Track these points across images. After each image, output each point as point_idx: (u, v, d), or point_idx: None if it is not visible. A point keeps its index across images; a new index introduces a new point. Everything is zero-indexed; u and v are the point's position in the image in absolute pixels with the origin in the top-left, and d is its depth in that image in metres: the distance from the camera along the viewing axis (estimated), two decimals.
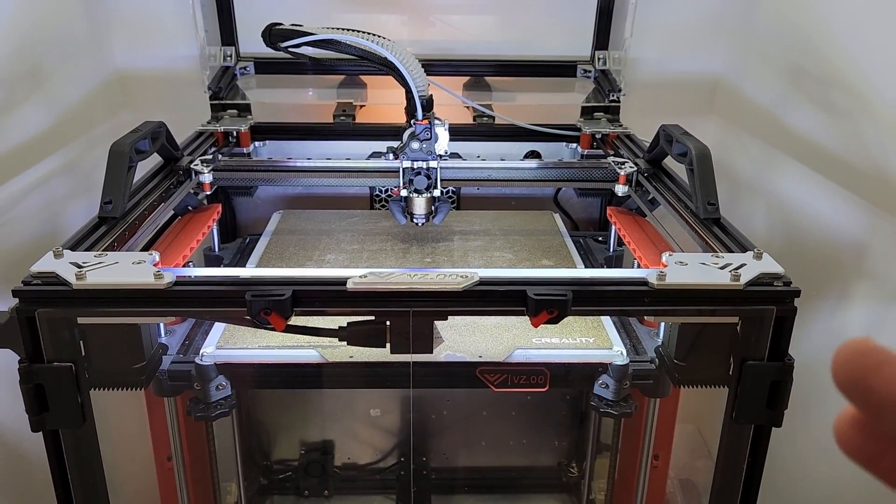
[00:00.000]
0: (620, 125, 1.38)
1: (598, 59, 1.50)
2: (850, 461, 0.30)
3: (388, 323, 0.75)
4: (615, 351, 0.89)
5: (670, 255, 0.78)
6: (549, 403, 1.37)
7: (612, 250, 1.22)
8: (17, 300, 0.72)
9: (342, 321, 0.77)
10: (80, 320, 0.74)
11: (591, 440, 1.23)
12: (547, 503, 1.45)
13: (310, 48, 1.04)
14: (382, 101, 1.48)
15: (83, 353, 0.76)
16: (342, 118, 1.39)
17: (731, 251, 0.84)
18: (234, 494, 1.24)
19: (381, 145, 1.29)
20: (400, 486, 1.40)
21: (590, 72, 1.51)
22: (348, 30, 1.02)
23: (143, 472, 1.09)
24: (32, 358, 0.73)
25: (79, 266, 0.74)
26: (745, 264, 0.77)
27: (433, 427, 1.37)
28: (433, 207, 1.12)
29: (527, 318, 0.74)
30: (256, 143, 1.36)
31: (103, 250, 0.81)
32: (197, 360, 0.87)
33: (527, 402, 1.36)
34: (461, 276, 0.73)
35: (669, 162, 1.12)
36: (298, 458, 1.40)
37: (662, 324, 0.92)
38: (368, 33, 1.02)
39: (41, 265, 0.74)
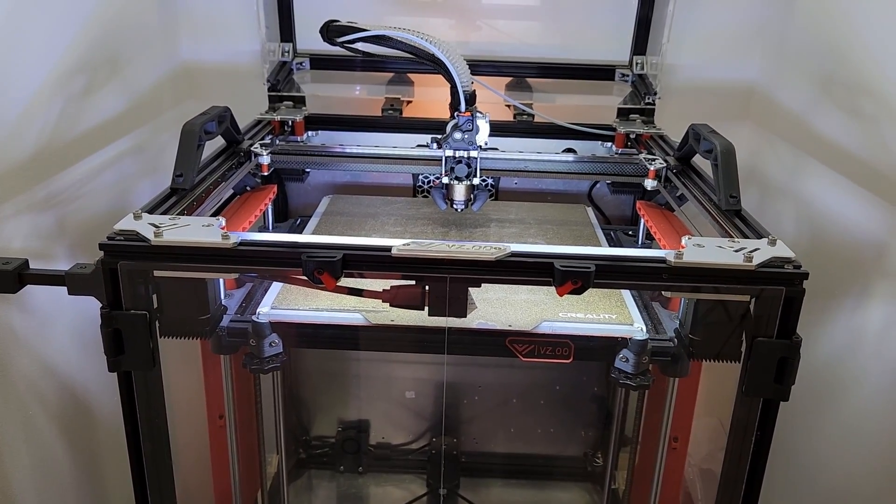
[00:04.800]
0: (654, 126, 1.44)
1: (637, 63, 1.56)
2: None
3: (426, 287, 0.83)
4: (635, 327, 0.96)
5: (689, 238, 0.85)
6: (577, 394, 1.43)
7: (640, 242, 1.28)
8: (102, 253, 0.82)
9: (386, 284, 0.85)
10: (156, 273, 0.83)
11: (615, 430, 1.29)
12: (571, 492, 1.51)
13: (363, 44, 1.13)
14: (428, 98, 1.56)
15: (156, 304, 0.86)
16: (390, 112, 1.48)
17: (748, 239, 0.90)
18: (274, 465, 1.32)
19: (426, 138, 1.37)
20: (431, 467, 1.46)
21: (627, 76, 1.57)
22: (400, 28, 1.10)
23: (194, 431, 1.18)
24: (113, 305, 0.82)
25: (156, 226, 0.83)
26: (758, 248, 0.83)
27: (464, 413, 1.44)
28: (472, 195, 1.20)
29: (553, 291, 0.81)
30: (310, 133, 1.45)
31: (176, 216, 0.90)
32: (254, 317, 0.96)
33: (555, 392, 1.42)
34: (494, 248, 0.81)
35: (700, 161, 1.18)
36: (335, 435, 1.48)
37: (682, 306, 0.98)
38: (418, 32, 1.10)
39: (122, 224, 0.84)
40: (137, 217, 0.86)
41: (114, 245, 0.82)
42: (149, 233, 0.82)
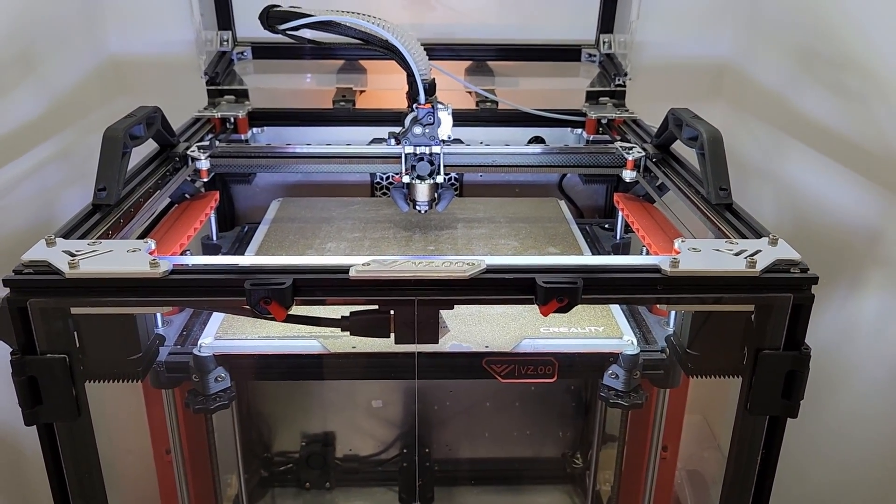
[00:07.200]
0: (627, 110, 1.35)
1: (604, 42, 1.47)
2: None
3: (392, 312, 0.73)
4: (625, 340, 0.87)
5: (683, 241, 0.76)
6: (553, 394, 1.35)
7: (619, 237, 1.19)
8: (7, 290, 0.69)
9: (345, 311, 0.75)
10: (74, 310, 0.71)
11: (598, 431, 1.21)
12: (551, 495, 1.43)
13: (309, 31, 1.01)
14: (383, 87, 1.45)
15: (77, 345, 0.74)
16: (342, 103, 1.36)
17: (744, 237, 0.81)
18: (234, 487, 1.22)
19: (383, 131, 1.26)
20: (402, 478, 1.38)
21: (594, 56, 1.48)
22: (348, 12, 0.99)
23: (141, 465, 1.07)
24: (25, 349, 0.70)
25: (72, 254, 0.71)
26: (760, 250, 0.75)
27: (436, 419, 1.35)
28: (436, 194, 1.10)
29: (535, 306, 0.72)
30: (254, 130, 1.33)
31: (97, 238, 0.78)
32: (195, 351, 0.84)
33: (530, 392, 1.34)
34: (467, 264, 0.71)
35: (678, 148, 1.09)
36: (299, 450, 1.38)
37: (673, 312, 0.90)
38: (368, 15, 0.99)
39: (33, 253, 0.72)
40: (51, 243, 0.74)
41: (21, 280, 0.69)
42: (62, 263, 0.70)
